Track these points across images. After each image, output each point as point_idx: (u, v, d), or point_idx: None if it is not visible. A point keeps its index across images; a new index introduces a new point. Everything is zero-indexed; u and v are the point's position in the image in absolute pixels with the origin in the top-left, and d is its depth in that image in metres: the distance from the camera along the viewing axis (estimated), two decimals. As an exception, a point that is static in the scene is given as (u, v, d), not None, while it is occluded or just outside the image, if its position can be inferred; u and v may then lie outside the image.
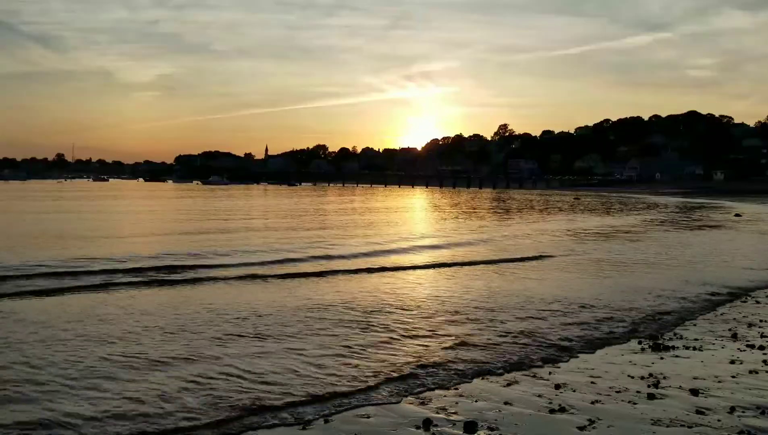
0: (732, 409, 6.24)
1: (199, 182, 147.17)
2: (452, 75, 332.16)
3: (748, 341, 8.98)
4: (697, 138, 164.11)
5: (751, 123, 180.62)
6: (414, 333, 9.24)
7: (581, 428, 5.79)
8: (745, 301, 12.20)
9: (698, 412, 6.18)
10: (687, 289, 13.40)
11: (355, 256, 18.20)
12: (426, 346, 8.54)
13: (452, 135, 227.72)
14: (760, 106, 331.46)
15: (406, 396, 6.64)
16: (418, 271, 15.91)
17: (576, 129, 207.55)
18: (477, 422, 5.85)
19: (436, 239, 24.19)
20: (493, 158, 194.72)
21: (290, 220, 33.45)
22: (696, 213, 47.29)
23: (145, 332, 8.98)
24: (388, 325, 9.71)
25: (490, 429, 5.75)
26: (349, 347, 8.34)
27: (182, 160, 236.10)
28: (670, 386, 6.97)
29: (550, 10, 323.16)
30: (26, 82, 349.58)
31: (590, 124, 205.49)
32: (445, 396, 6.65)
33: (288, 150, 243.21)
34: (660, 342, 8.88)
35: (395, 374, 7.27)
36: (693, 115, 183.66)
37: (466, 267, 16.61)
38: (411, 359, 7.86)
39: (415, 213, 43.30)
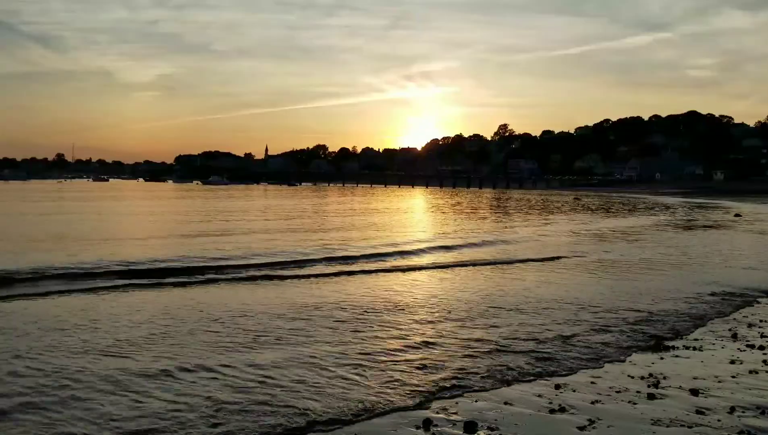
0: (732, 409, 6.24)
1: (199, 182, 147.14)
2: (452, 75, 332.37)
3: (748, 341, 8.98)
4: (697, 138, 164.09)
5: (751, 123, 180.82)
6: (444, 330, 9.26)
7: (581, 428, 5.80)
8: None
9: (698, 412, 6.18)
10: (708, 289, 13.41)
11: (383, 256, 18.41)
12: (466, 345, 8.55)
13: (452, 135, 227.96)
14: (760, 106, 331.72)
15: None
16: (448, 271, 16.12)
17: (576, 129, 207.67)
18: (477, 422, 5.85)
19: (453, 240, 23.63)
20: (493, 158, 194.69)
21: (304, 221, 32.99)
22: (706, 213, 47.07)
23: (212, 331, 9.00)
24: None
25: (490, 429, 5.76)
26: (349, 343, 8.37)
27: (182, 160, 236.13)
28: (670, 386, 6.97)
29: (550, 10, 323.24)
30: (26, 82, 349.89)
31: (590, 124, 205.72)
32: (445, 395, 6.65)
33: (288, 150, 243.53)
34: (660, 342, 8.88)
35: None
36: (693, 115, 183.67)
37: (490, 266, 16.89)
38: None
39: (424, 214, 42.39)
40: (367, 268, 16.05)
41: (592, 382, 7.14)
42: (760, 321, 10.38)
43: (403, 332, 9.26)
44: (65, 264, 14.70)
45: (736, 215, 43.02)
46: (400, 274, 15.51)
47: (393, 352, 8.16)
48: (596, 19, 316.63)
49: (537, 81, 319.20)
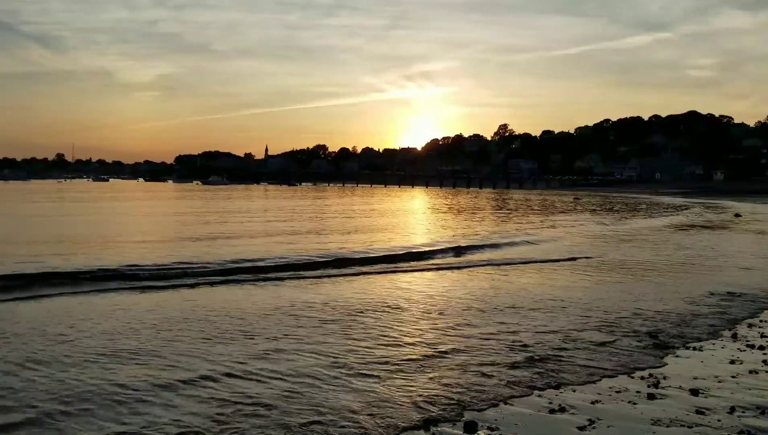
0: (732, 409, 6.24)
1: (199, 182, 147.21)
2: (452, 75, 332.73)
3: (748, 341, 8.98)
4: (697, 138, 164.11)
5: (751, 123, 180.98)
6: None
7: (581, 428, 5.79)
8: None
9: (698, 412, 6.18)
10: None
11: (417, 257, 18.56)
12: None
13: (452, 135, 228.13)
14: (760, 106, 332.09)
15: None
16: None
17: (576, 129, 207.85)
18: (477, 422, 5.85)
19: (472, 240, 23.25)
20: (493, 158, 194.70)
21: (321, 222, 32.74)
22: (719, 214, 46.98)
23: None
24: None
25: (490, 429, 5.75)
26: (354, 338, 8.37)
27: (182, 160, 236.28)
28: (670, 386, 6.97)
29: (550, 10, 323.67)
30: (26, 82, 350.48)
31: (590, 124, 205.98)
32: (445, 394, 6.65)
33: (288, 150, 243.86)
34: (660, 341, 8.87)
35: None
36: (693, 115, 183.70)
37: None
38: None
39: (436, 215, 41.66)
40: (404, 268, 16.39)
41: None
42: (761, 321, 10.38)
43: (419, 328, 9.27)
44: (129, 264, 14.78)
45: (736, 215, 42.98)
46: (428, 273, 15.74)
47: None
48: (596, 19, 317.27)
49: (537, 81, 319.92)
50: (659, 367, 7.69)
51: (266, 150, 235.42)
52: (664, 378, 7.24)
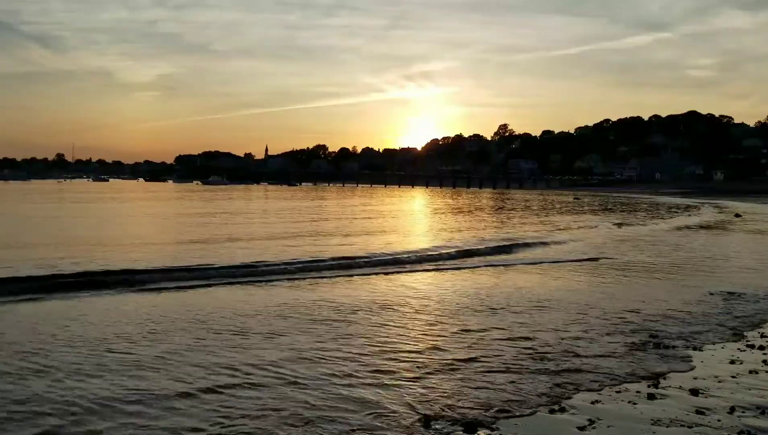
0: (732, 409, 6.24)
1: (199, 182, 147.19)
2: (452, 75, 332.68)
3: (748, 341, 8.97)
4: (697, 138, 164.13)
5: (751, 123, 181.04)
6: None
7: (581, 428, 5.79)
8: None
9: (698, 412, 6.18)
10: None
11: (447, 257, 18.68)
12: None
13: (452, 135, 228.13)
14: (760, 106, 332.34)
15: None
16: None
17: (576, 129, 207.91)
18: (476, 422, 5.84)
19: (498, 241, 23.10)
20: (493, 158, 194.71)
21: (349, 222, 32.65)
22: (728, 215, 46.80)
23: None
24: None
25: (490, 429, 5.75)
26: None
27: (182, 160, 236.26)
28: (670, 386, 6.97)
29: (550, 10, 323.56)
30: (26, 82, 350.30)
31: (590, 124, 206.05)
32: (445, 394, 6.64)
33: (288, 150, 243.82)
34: (660, 341, 8.86)
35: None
36: (693, 115, 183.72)
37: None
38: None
39: (448, 216, 40.95)
40: (418, 268, 16.59)
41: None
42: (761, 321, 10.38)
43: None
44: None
45: (736, 215, 43.07)
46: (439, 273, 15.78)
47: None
48: (596, 19, 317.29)
49: (537, 81, 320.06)
50: (660, 368, 7.69)
51: (266, 150, 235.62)
52: (664, 378, 7.24)
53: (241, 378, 7.01)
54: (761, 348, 8.58)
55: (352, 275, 14.90)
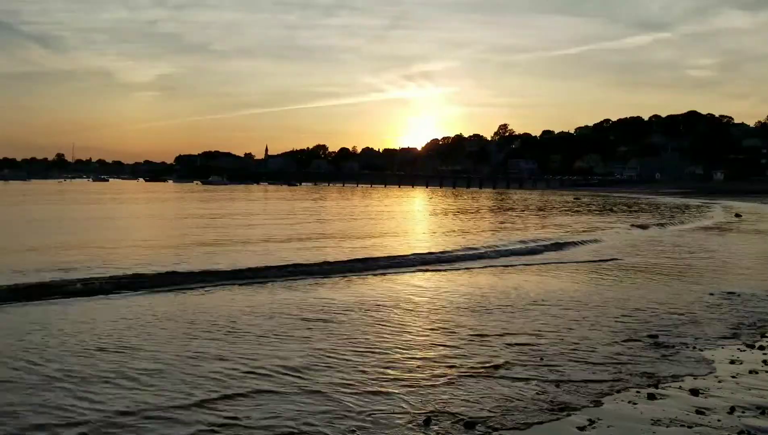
0: (732, 409, 6.23)
1: (199, 182, 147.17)
2: (452, 75, 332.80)
3: (748, 341, 8.97)
4: (697, 138, 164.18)
5: (751, 123, 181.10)
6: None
7: (581, 428, 5.79)
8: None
9: (698, 412, 6.18)
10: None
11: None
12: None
13: (452, 135, 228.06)
14: (760, 106, 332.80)
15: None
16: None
17: (576, 129, 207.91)
18: (477, 421, 5.85)
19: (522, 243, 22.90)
20: (493, 158, 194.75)
21: (376, 224, 32.46)
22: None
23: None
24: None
25: (491, 428, 5.75)
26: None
27: (182, 160, 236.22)
28: (670, 386, 6.97)
29: (550, 10, 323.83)
30: (26, 82, 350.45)
31: (590, 124, 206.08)
32: (446, 394, 6.64)
33: (288, 150, 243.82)
34: (660, 341, 8.86)
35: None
36: (693, 115, 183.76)
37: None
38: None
39: (459, 216, 40.39)
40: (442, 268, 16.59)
41: (592, 382, 7.13)
42: (759, 320, 10.38)
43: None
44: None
45: (736, 215, 43.10)
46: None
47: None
48: (596, 19, 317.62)
49: (537, 81, 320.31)
50: (660, 368, 7.69)
51: (266, 150, 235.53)
52: (664, 378, 7.24)
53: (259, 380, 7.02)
54: (761, 348, 8.58)
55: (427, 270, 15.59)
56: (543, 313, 10.73)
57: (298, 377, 7.06)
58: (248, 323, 9.65)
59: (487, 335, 9.06)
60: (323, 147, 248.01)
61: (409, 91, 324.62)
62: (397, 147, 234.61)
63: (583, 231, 29.17)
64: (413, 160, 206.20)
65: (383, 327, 9.55)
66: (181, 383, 6.78)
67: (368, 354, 8.01)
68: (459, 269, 16.23)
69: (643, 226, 32.44)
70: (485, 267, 16.67)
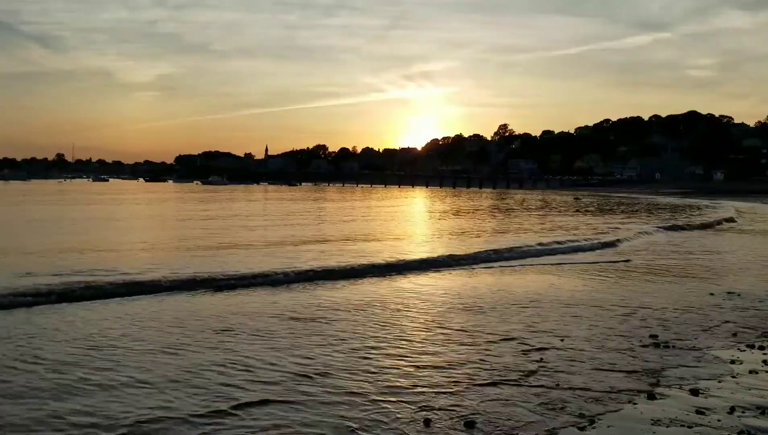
0: (732, 409, 6.23)
1: (199, 182, 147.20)
2: (452, 75, 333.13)
3: (748, 341, 8.97)
4: (697, 138, 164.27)
5: (751, 123, 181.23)
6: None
7: (581, 428, 5.80)
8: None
9: (698, 412, 6.17)
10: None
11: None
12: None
13: (452, 135, 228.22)
14: (760, 106, 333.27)
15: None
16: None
17: (576, 129, 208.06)
18: (477, 421, 5.85)
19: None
20: (493, 158, 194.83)
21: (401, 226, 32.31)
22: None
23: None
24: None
25: (491, 429, 5.75)
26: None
27: (182, 160, 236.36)
28: (670, 386, 6.97)
29: (550, 10, 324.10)
30: (26, 82, 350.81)
31: (590, 124, 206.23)
32: (446, 395, 6.64)
33: (288, 150, 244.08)
34: (659, 341, 8.86)
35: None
36: (693, 115, 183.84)
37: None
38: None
39: (466, 217, 39.64)
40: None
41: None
42: (759, 320, 10.37)
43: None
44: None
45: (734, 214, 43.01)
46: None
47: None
48: (596, 19, 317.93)
49: (537, 81, 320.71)
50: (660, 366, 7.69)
51: (266, 150, 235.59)
52: (664, 378, 7.24)
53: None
54: (761, 348, 8.58)
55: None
56: (542, 312, 10.74)
57: (327, 378, 7.07)
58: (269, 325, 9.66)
59: (486, 334, 9.08)
60: (323, 147, 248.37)
61: (409, 91, 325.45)
62: (397, 147, 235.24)
63: (600, 232, 28.27)
64: (413, 160, 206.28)
65: (420, 325, 9.57)
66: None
67: (403, 344, 8.02)
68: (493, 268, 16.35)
69: (672, 228, 30.99)
70: (493, 268, 16.68)
